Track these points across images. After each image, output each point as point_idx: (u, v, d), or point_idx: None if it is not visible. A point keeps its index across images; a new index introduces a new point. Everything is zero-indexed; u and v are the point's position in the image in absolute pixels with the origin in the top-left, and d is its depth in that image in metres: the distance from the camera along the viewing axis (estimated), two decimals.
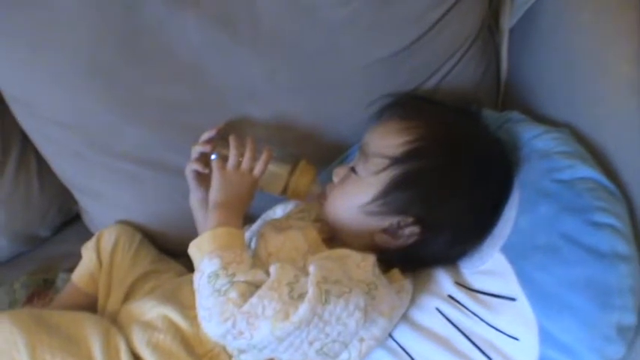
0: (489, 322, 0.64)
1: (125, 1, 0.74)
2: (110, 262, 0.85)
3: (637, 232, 0.60)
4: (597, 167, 0.64)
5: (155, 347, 0.69)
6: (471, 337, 0.65)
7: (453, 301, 0.67)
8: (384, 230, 0.70)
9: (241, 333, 0.61)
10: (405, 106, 0.74)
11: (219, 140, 0.78)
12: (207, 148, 0.77)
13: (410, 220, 0.68)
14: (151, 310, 0.73)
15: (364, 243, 0.71)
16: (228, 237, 0.67)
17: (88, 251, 0.86)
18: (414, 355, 0.67)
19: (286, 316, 0.60)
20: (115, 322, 0.75)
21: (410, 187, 0.68)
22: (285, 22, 0.74)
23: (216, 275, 0.63)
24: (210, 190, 0.73)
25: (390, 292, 0.66)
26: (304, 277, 0.63)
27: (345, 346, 0.63)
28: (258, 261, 0.70)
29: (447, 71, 0.80)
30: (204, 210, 0.79)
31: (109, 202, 0.90)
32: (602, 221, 0.59)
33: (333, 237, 0.75)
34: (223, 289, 0.62)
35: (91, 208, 0.94)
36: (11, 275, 0.95)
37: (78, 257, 0.91)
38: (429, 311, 0.68)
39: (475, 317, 0.65)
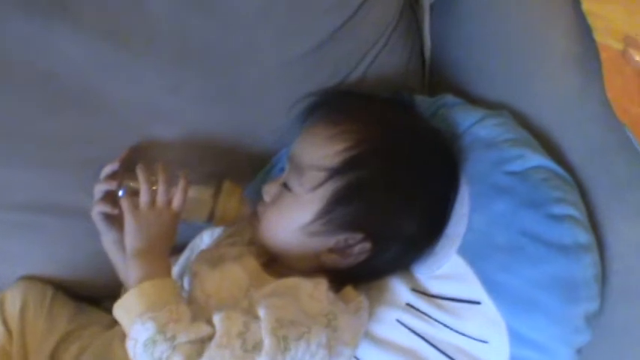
0: (454, 327, 0.60)
1: None
2: (21, 328, 0.72)
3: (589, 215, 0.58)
4: (544, 152, 0.61)
5: None
6: (437, 345, 0.61)
7: (412, 310, 0.63)
8: (331, 250, 0.64)
9: None
10: (334, 107, 0.67)
11: (125, 172, 0.67)
12: (112, 185, 0.66)
13: (359, 236, 0.62)
14: None
15: (309, 265, 0.64)
16: (156, 292, 0.58)
17: None
18: None
19: None
20: None
21: (354, 199, 0.61)
22: (186, 23, 0.63)
23: (153, 341, 0.54)
24: (124, 235, 0.63)
25: (350, 317, 0.60)
26: (254, 322, 0.56)
27: None
28: (196, 306, 0.61)
29: (372, 59, 0.73)
30: (122, 251, 0.68)
31: (6, 259, 0.76)
32: (562, 213, 0.56)
33: (272, 259, 0.68)
34: (164, 356, 0.54)
35: None
36: None
37: None
38: (389, 324, 0.64)
39: (438, 324, 0.61)
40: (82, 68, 0.64)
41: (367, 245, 0.62)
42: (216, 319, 0.56)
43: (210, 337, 0.55)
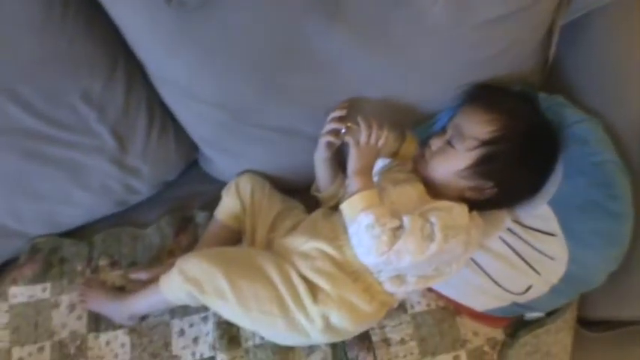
0: (535, 246, 1.02)
1: (286, 18, 0.90)
2: (251, 205, 1.13)
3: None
4: (615, 151, 0.99)
5: (318, 271, 0.99)
6: (521, 254, 1.03)
7: (510, 232, 1.04)
8: (470, 188, 1.02)
9: (390, 262, 0.94)
10: (487, 99, 1.02)
11: (346, 117, 1.03)
12: (339, 125, 1.02)
13: (491, 184, 1.00)
14: (304, 244, 1.02)
15: (454, 195, 1.03)
16: (372, 197, 0.96)
17: (230, 196, 1.13)
18: (481, 265, 1.05)
19: (422, 252, 0.93)
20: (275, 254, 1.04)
21: (493, 162, 0.98)
22: (413, 36, 0.94)
23: (372, 226, 0.93)
24: (349, 161, 0.99)
25: (477, 230, 1.00)
26: (426, 222, 0.95)
27: (450, 264, 0.99)
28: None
29: (517, 52, 1.02)
30: (328, 166, 1.10)
31: (238, 156, 1.15)
32: (618, 193, 0.96)
33: (427, 185, 1.06)
34: (378, 234, 0.92)
35: (217, 159, 1.18)
36: (151, 216, 1.19)
37: (204, 196, 1.20)
38: (493, 238, 1.05)
39: (525, 243, 1.03)
40: (336, 53, 0.95)
41: (494, 190, 1.01)
42: (406, 219, 0.95)
43: (399, 228, 0.94)
